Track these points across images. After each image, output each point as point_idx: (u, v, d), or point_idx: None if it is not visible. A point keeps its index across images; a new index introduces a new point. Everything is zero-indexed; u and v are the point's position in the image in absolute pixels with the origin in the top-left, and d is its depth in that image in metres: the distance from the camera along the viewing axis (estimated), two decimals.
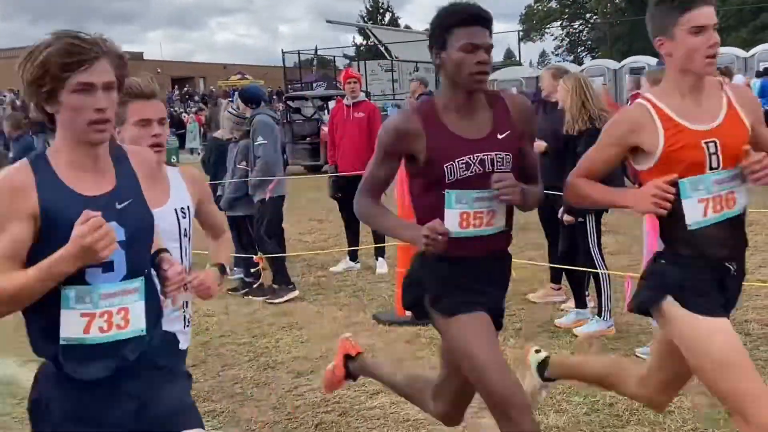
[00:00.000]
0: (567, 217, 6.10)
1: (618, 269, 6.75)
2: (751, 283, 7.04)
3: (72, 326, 2.30)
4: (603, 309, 6.13)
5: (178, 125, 36.67)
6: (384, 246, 8.77)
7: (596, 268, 6.15)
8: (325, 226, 12.19)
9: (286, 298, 7.59)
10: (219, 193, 8.48)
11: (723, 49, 28.62)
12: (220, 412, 4.96)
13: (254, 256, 7.88)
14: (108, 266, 2.30)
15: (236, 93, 8.58)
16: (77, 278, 2.26)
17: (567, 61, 50.04)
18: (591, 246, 6.12)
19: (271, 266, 7.81)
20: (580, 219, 6.09)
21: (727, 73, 18.52)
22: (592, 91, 6.08)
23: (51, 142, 2.58)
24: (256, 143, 7.71)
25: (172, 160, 30.13)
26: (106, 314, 2.32)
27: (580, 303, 6.41)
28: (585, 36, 63.52)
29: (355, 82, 8.74)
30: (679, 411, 4.52)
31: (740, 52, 27.98)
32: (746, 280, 7.07)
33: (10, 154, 11.09)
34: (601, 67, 28.68)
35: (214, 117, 21.02)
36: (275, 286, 7.80)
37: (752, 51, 27.67)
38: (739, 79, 17.33)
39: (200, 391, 5.34)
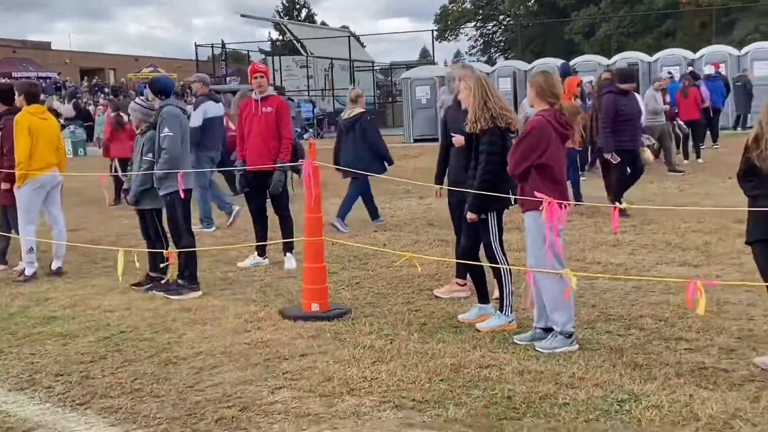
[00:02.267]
0: (470, 215, 6.19)
1: (522, 266, 6.88)
2: (647, 278, 7.30)
3: None
4: (504, 304, 6.24)
5: (86, 117, 35.73)
6: (292, 241, 8.74)
7: (498, 264, 6.27)
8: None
9: (186, 297, 7.47)
10: (126, 186, 8.31)
11: (628, 54, 29.54)
12: (117, 408, 4.86)
13: (163, 251, 7.73)
14: None
15: (146, 85, 8.41)
16: None
17: (480, 61, 50.74)
18: (493, 242, 6.23)
19: (185, 262, 7.67)
20: (483, 216, 6.19)
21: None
22: (494, 90, 6.18)
23: None
24: (162, 135, 7.58)
25: (80, 153, 29.36)
26: None
27: (483, 298, 6.52)
28: (498, 37, 64.52)
29: (261, 76, 8.65)
30: (573, 403, 4.64)
31: (645, 57, 28.88)
32: (642, 276, 7.34)
33: None
34: (510, 68, 29.16)
35: (123, 110, 20.58)
36: (180, 282, 7.69)
37: (656, 56, 28.61)
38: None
39: (98, 387, 5.24)
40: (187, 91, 32.64)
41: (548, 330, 5.77)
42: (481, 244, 6.42)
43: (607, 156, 11.12)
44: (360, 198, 11.36)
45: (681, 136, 17.93)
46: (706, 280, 4.78)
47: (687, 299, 4.54)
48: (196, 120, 11.21)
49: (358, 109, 11.48)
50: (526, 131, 5.70)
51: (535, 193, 5.55)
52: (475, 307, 6.55)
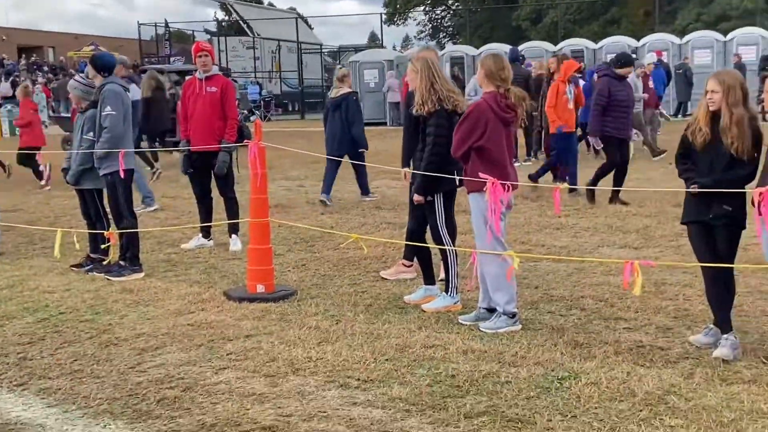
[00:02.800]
0: (416, 197, 6.22)
1: (468, 248, 6.94)
2: (587, 260, 7.43)
3: None
4: (450, 286, 6.29)
5: None
6: (238, 223, 8.68)
7: (443, 246, 6.31)
8: (178, 203, 11.94)
9: (128, 278, 7.38)
10: (65, 165, 8.15)
11: (574, 41, 29.90)
12: (56, 389, 4.79)
13: (104, 232, 7.62)
14: None
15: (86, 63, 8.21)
16: None
17: (429, 46, 50.78)
18: (439, 224, 6.26)
19: (127, 243, 7.56)
20: (429, 198, 6.22)
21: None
22: (441, 72, 6.20)
23: None
24: (103, 113, 7.43)
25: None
26: None
27: (429, 280, 6.56)
28: (447, 22, 64.69)
29: (206, 55, 8.54)
30: (515, 381, 4.71)
31: (590, 44, 29.26)
32: (584, 258, 7.45)
33: None
34: (460, 54, 29.30)
35: (63, 89, 20.21)
36: (122, 263, 7.59)
37: (601, 43, 29.00)
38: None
39: (36, 368, 5.16)
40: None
41: (492, 310, 5.84)
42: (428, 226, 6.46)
43: (592, 140, 11.22)
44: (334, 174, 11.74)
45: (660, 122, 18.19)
46: (643, 261, 4.88)
47: (624, 280, 4.62)
48: None
49: (345, 89, 11.68)
50: (466, 114, 5.76)
51: (480, 174, 5.60)
52: (421, 288, 6.59)
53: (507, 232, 6.01)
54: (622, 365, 4.93)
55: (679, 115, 24.93)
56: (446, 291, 6.32)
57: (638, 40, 28.94)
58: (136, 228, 7.66)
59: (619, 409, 4.29)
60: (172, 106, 20.50)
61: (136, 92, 11.82)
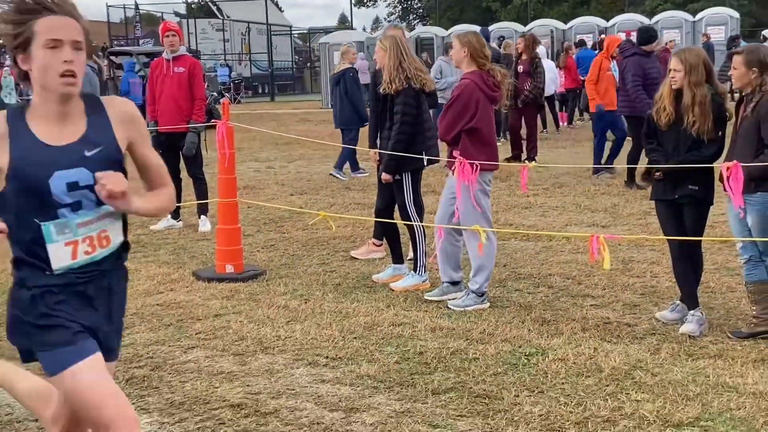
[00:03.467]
0: (385, 176, 6.22)
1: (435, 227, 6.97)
2: (553, 234, 7.50)
3: (60, 256, 2.60)
4: (418, 264, 6.32)
5: None
6: (207, 204, 8.64)
7: (413, 226, 6.33)
8: None
9: None
10: None
11: (544, 21, 29.97)
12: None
13: None
14: (76, 206, 2.60)
15: None
16: (51, 215, 2.57)
17: (399, 27, 50.66)
18: (407, 202, 6.28)
19: None
20: (398, 177, 6.23)
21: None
22: (409, 51, 6.20)
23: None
24: None
25: None
26: (87, 239, 2.64)
27: (397, 259, 6.58)
28: (417, 4, 64.49)
29: (173, 35, 8.46)
30: (483, 357, 4.76)
31: (560, 25, 29.36)
32: (553, 237, 7.54)
33: None
34: (429, 35, 29.27)
35: None
36: None
37: (570, 23, 29.12)
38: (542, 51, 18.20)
39: (4, 349, 5.10)
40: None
41: (455, 283, 5.88)
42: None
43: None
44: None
45: None
46: (608, 235, 4.92)
47: (590, 254, 4.67)
48: None
49: (345, 65, 12.03)
50: (454, 96, 5.73)
51: (454, 153, 5.63)
52: (389, 267, 6.61)
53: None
54: (589, 341, 4.98)
55: None
56: (414, 270, 6.35)
57: (608, 20, 29.07)
58: None
59: (585, 385, 4.34)
60: (141, 87, 20.35)
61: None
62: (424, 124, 6.22)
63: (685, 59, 5.03)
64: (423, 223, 6.38)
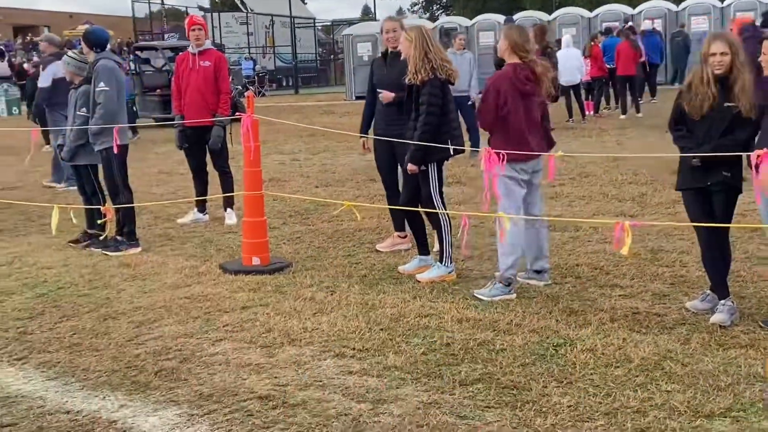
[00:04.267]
0: (411, 166, 6.21)
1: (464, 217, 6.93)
2: (585, 230, 7.45)
3: None
4: (444, 255, 6.30)
5: (19, 75, 34.73)
6: (233, 197, 8.67)
7: (438, 217, 6.29)
8: (174, 178, 11.94)
9: (125, 253, 7.38)
10: (60, 141, 8.13)
11: (569, 9, 29.73)
12: (56, 362, 4.81)
13: (101, 207, 7.60)
14: None
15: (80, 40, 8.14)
16: None
17: (423, 18, 50.53)
18: (433, 193, 6.26)
19: (123, 219, 7.56)
20: (423, 167, 6.21)
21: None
22: (435, 41, 6.17)
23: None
24: (97, 89, 7.39)
25: (14, 111, 28.61)
26: None
27: (423, 250, 6.56)
28: None
29: (199, 29, 8.49)
30: (510, 348, 4.74)
31: (585, 12, 29.13)
32: (580, 227, 7.48)
33: None
34: (453, 25, 29.13)
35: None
36: (119, 238, 7.59)
37: (596, 11, 28.88)
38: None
39: (35, 342, 5.18)
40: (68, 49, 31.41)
41: (539, 271, 5.93)
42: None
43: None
44: None
45: None
46: (633, 222, 4.87)
47: (614, 240, 4.62)
48: (45, 80, 11.41)
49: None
50: (486, 88, 5.81)
51: (496, 145, 5.66)
52: (415, 258, 6.59)
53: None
54: (617, 332, 4.94)
55: (676, 83, 24.82)
56: (441, 261, 6.33)
57: (634, 7, 28.78)
58: (132, 203, 7.64)
59: (615, 375, 4.31)
60: (167, 82, 20.46)
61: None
62: (449, 114, 6.21)
63: (732, 42, 4.92)
64: (447, 211, 6.34)
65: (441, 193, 6.31)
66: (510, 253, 5.74)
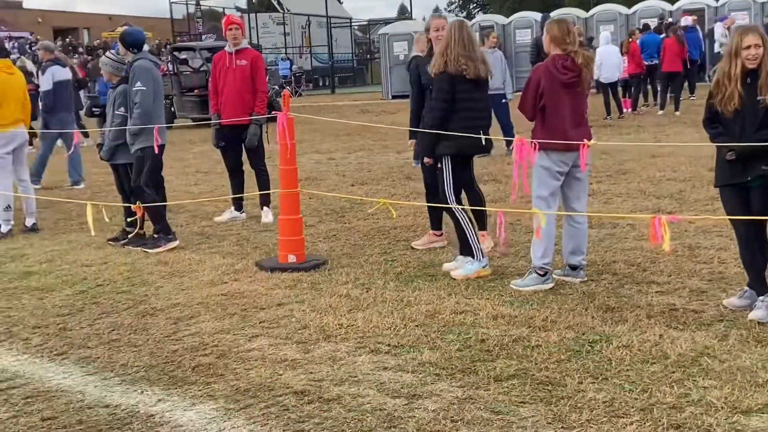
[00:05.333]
0: (426, 159, 6.25)
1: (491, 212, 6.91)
2: (622, 227, 7.39)
3: None
4: (474, 249, 6.25)
5: None
6: (269, 195, 8.74)
7: (454, 214, 6.26)
8: (211, 177, 12.05)
9: (165, 248, 7.48)
10: (99, 141, 8.25)
11: (607, 6, 29.43)
12: (95, 358, 4.89)
13: (131, 206, 7.70)
14: None
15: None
16: None
17: (460, 16, 50.38)
18: (445, 188, 6.23)
19: (151, 216, 7.66)
20: (439, 163, 6.22)
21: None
22: (461, 37, 6.10)
23: None
24: (134, 89, 7.49)
25: None
26: None
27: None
28: None
29: (236, 29, 8.57)
30: (545, 345, 4.72)
31: (623, 9, 28.86)
32: (617, 224, 7.42)
33: None
34: (490, 23, 29.05)
35: (98, 69, 20.40)
36: (155, 236, 7.69)
37: (634, 8, 28.60)
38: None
39: (75, 338, 5.27)
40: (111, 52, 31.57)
41: (575, 267, 5.90)
42: None
43: None
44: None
45: None
46: (671, 216, 4.82)
47: (651, 236, 4.58)
48: (46, 84, 11.71)
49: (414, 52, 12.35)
50: (528, 79, 5.84)
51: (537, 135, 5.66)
52: (458, 258, 6.53)
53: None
54: (654, 328, 4.90)
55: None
56: (472, 256, 6.28)
57: (672, 4, 28.46)
58: (158, 201, 7.69)
59: (651, 371, 4.28)
60: (204, 83, 20.65)
61: (65, 73, 12.12)
62: (461, 110, 6.12)
63: (762, 34, 4.84)
64: (459, 206, 6.26)
65: (454, 188, 6.23)
66: (540, 242, 5.72)
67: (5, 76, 8.45)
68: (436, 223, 7.24)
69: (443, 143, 6.10)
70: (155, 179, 7.71)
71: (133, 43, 7.73)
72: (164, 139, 7.72)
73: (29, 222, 8.76)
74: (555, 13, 28.25)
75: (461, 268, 6.27)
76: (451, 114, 6.06)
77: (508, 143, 10.57)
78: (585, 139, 5.73)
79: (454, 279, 6.17)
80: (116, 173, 8.09)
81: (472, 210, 6.48)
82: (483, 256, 6.26)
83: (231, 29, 8.57)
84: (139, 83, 7.46)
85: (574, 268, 5.97)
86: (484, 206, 6.79)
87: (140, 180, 7.58)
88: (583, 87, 5.83)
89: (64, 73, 11.95)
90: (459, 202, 6.31)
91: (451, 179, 6.22)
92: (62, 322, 5.63)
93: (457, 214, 6.23)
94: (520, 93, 5.93)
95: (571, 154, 5.75)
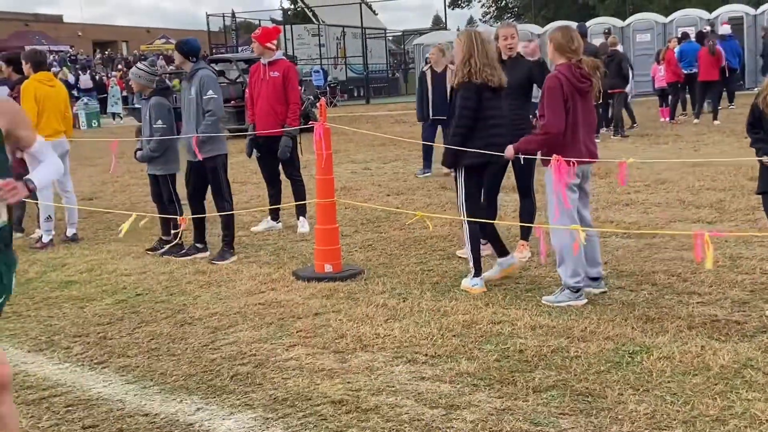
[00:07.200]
0: (444, 170, 6.21)
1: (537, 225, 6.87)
2: (662, 235, 7.30)
3: None
4: (471, 265, 6.19)
5: (99, 89, 35.86)
6: (305, 206, 8.77)
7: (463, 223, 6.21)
8: (247, 187, 12.13)
9: (230, 260, 7.53)
10: (138, 146, 8.34)
11: (643, 15, 29.21)
12: (135, 366, 4.93)
13: (178, 217, 7.76)
14: None
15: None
16: None
17: (494, 27, 50.28)
18: (460, 196, 6.19)
19: (224, 226, 7.71)
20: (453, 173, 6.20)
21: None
22: (484, 47, 6.08)
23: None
24: (205, 97, 7.53)
25: (93, 125, 29.49)
26: None
27: (501, 254, 6.47)
28: (512, 2, 63.91)
29: (253, 41, 8.68)
30: (585, 355, 4.67)
31: (660, 18, 28.62)
32: (656, 233, 7.32)
33: None
34: (525, 33, 28.91)
35: None
36: (199, 246, 7.79)
37: (671, 17, 28.34)
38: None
39: (115, 347, 5.32)
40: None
41: (595, 279, 5.84)
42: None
43: None
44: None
45: None
46: (713, 232, 4.76)
47: (695, 252, 4.53)
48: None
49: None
50: (542, 94, 5.70)
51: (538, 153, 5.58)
52: (496, 265, 6.49)
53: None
54: (695, 339, 4.83)
55: (756, 88, 24.19)
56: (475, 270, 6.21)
57: (710, 12, 28.17)
58: (233, 211, 7.76)
59: (693, 383, 4.21)
60: (241, 94, 20.81)
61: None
62: (488, 120, 6.07)
63: None
64: (469, 218, 6.20)
65: (468, 199, 6.16)
66: (566, 261, 5.66)
67: (45, 88, 8.59)
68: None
69: (463, 154, 6.03)
70: (229, 189, 7.78)
71: (190, 51, 7.82)
72: (227, 149, 7.80)
73: (70, 232, 8.88)
74: (591, 23, 28.09)
75: (465, 279, 6.24)
76: (476, 123, 6.03)
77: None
78: (593, 149, 5.71)
79: (488, 289, 6.12)
80: (154, 183, 8.14)
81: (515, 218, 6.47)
82: (479, 276, 6.17)
83: (252, 42, 8.69)
84: (210, 92, 7.54)
85: (593, 279, 5.89)
86: (534, 217, 6.82)
87: (219, 190, 7.64)
88: (592, 95, 5.77)
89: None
90: (475, 212, 6.21)
91: (464, 189, 6.15)
92: (102, 330, 5.69)
93: (465, 227, 6.17)
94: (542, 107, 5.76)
95: (585, 166, 5.71)
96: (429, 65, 12.41)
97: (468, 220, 6.14)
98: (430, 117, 12.14)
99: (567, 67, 5.65)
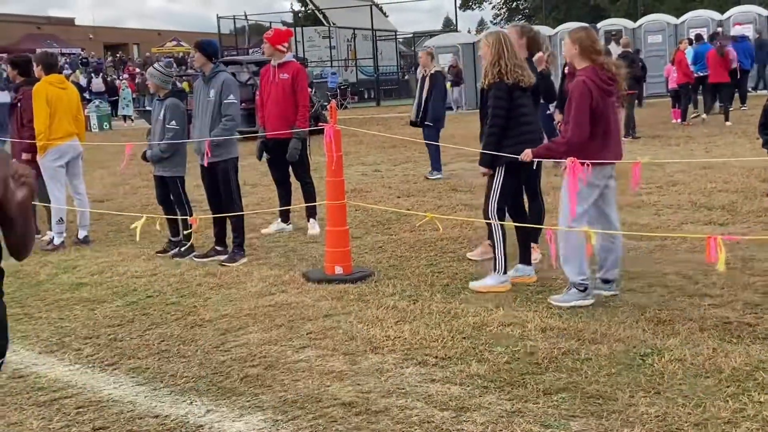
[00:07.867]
0: (482, 170, 6.22)
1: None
2: (673, 237, 7.27)
3: None
4: (497, 264, 6.19)
5: (111, 92, 36.02)
6: (315, 208, 8.77)
7: (490, 222, 6.22)
8: (258, 189, 12.15)
9: (240, 262, 7.54)
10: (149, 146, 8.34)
11: (654, 17, 29.15)
12: (145, 368, 4.94)
13: (188, 218, 7.77)
14: None
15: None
16: None
17: (505, 29, 50.26)
18: (491, 196, 6.18)
19: (237, 230, 7.72)
20: (492, 173, 6.18)
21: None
22: (512, 47, 6.10)
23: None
24: (226, 101, 7.53)
25: (105, 127, 29.60)
26: None
27: (523, 259, 6.45)
28: (523, 4, 63.88)
29: (264, 42, 8.71)
30: (596, 358, 4.65)
31: (671, 19, 28.54)
32: (668, 235, 7.29)
33: None
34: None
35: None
36: (218, 248, 7.80)
37: (683, 18, 28.25)
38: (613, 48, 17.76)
39: (125, 349, 5.33)
40: None
41: (607, 281, 5.81)
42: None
43: None
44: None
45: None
46: (726, 236, 4.73)
47: (707, 255, 4.50)
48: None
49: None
50: (569, 99, 5.61)
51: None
52: (512, 270, 6.46)
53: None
54: (707, 341, 4.81)
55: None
56: (494, 269, 6.22)
57: (722, 13, 28.05)
58: (242, 213, 7.78)
59: (705, 386, 4.19)
60: (251, 96, 20.84)
61: (5, 96, 11.83)
62: (519, 118, 6.10)
63: None
64: (501, 225, 6.20)
65: (499, 201, 6.17)
66: (571, 260, 5.64)
67: (57, 90, 8.61)
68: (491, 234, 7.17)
69: (504, 151, 6.04)
70: (239, 192, 7.80)
71: (213, 52, 7.86)
72: (238, 153, 7.82)
73: (81, 234, 8.91)
74: (601, 24, 28.05)
75: (485, 278, 6.22)
76: (508, 122, 6.04)
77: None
78: (619, 150, 5.69)
79: (500, 292, 6.11)
80: (161, 184, 8.11)
81: (526, 219, 6.46)
82: (505, 273, 6.19)
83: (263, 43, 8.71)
84: (231, 96, 7.55)
85: (606, 281, 5.87)
86: (543, 219, 6.80)
87: (230, 193, 7.66)
88: (618, 97, 5.74)
89: (4, 97, 11.41)
90: (503, 214, 6.25)
91: (499, 189, 6.16)
92: (113, 332, 5.70)
93: (493, 226, 6.18)
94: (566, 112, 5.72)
95: (610, 168, 5.69)
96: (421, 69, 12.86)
97: (495, 218, 6.15)
98: (417, 120, 12.47)
99: (593, 71, 5.58)
